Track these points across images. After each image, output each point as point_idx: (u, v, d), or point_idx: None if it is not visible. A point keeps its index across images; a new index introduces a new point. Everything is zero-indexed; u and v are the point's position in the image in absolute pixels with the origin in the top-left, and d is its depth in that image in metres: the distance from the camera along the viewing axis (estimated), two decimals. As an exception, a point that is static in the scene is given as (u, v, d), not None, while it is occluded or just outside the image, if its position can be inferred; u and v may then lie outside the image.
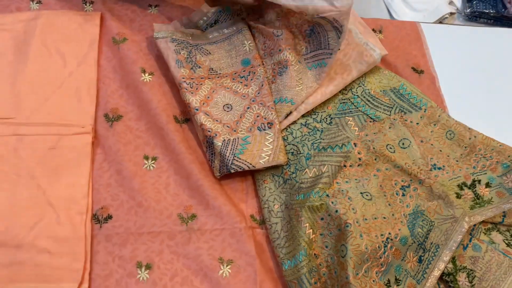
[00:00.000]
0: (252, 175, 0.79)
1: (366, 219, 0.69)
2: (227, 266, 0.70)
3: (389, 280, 0.68)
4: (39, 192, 0.72)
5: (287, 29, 0.81)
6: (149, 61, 0.86)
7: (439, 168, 0.78)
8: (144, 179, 0.76)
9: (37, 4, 0.90)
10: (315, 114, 0.82)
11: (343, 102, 0.84)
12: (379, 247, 0.67)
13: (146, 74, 0.84)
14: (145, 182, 0.76)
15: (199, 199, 0.75)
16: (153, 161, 0.78)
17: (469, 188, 0.76)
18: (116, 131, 0.79)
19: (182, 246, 0.71)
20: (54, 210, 0.71)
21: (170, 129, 0.79)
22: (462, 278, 0.70)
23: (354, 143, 0.77)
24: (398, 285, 0.68)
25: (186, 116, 0.83)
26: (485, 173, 0.78)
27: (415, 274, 0.69)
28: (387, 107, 0.84)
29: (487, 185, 0.76)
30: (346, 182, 0.74)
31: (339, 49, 0.78)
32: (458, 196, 0.75)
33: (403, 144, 0.79)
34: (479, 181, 0.77)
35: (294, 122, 0.81)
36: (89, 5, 0.92)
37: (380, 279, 0.67)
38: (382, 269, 0.68)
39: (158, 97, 0.82)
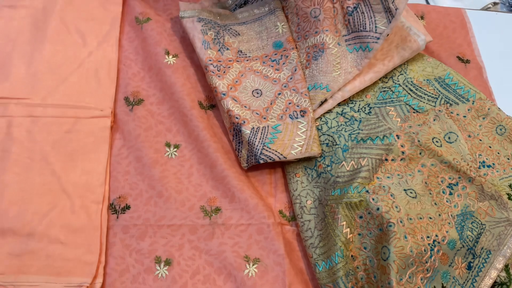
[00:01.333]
0: (282, 167, 0.73)
1: (410, 218, 0.62)
2: (253, 265, 0.64)
3: None
4: (53, 178, 0.67)
5: (329, 1, 0.74)
6: (174, 42, 0.80)
7: (489, 166, 0.70)
8: (165, 167, 0.70)
9: (58, -19, 0.85)
10: (352, 103, 0.75)
11: (384, 91, 0.76)
12: (425, 250, 0.60)
13: (170, 56, 0.78)
14: (166, 171, 0.70)
15: (223, 191, 0.69)
16: (175, 149, 0.72)
17: None
18: (136, 115, 0.74)
19: (204, 241, 0.65)
20: (69, 198, 0.66)
21: (194, 115, 0.73)
22: None
23: (397, 135, 0.70)
24: None
25: (211, 102, 0.77)
26: None
27: (464, 283, 0.62)
28: (432, 97, 0.76)
29: None
30: (388, 177, 0.66)
31: (388, 34, 0.71)
32: (510, 197, 0.67)
33: (449, 138, 0.72)
34: None
35: (329, 111, 0.74)
36: (112, -17, 0.86)
37: (426, 286, 0.60)
38: (428, 275, 0.60)
39: (182, 80, 0.76)
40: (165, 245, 0.65)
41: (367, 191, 0.64)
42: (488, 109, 0.76)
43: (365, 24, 0.72)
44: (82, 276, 0.61)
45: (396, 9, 0.69)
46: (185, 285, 0.62)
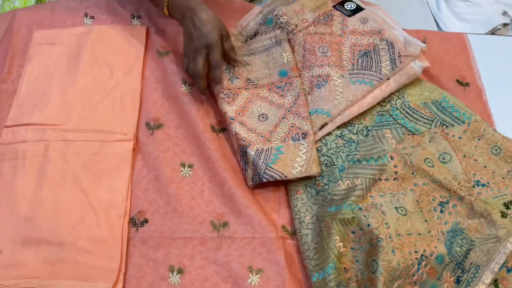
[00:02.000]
0: (285, 185, 0.79)
1: (399, 234, 0.67)
2: (256, 275, 0.70)
3: None
4: (82, 195, 0.76)
5: (336, 43, 0.83)
6: (190, 72, 0.89)
7: (483, 185, 0.74)
8: (180, 185, 0.78)
9: (90, 20, 0.97)
10: (351, 126, 0.81)
11: (381, 114, 0.82)
12: (412, 264, 0.65)
13: (187, 85, 0.87)
14: (181, 189, 0.78)
15: (231, 207, 0.76)
16: (189, 168, 0.80)
17: None
18: (156, 138, 0.83)
19: (213, 252, 0.72)
20: (95, 213, 0.75)
21: (206, 137, 0.81)
22: None
23: (391, 156, 0.76)
24: None
25: (222, 126, 0.85)
26: None
27: None
28: (428, 120, 0.81)
29: None
30: (381, 196, 0.72)
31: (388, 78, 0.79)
32: (504, 215, 0.71)
33: (443, 158, 0.76)
34: None
35: (329, 133, 0.80)
36: (137, 20, 0.97)
37: None
38: (415, 287, 0.65)
39: (197, 107, 0.84)
40: (178, 255, 0.72)
41: (360, 208, 0.69)
42: (484, 130, 0.79)
43: (371, 67, 0.81)
44: (105, 281, 0.69)
45: (400, 62, 0.77)
46: (195, 291, 0.69)
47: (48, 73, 0.89)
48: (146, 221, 0.75)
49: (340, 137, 0.79)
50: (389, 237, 0.65)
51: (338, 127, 0.81)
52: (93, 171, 0.79)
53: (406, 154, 0.76)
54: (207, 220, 0.75)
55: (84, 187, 0.77)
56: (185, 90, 0.86)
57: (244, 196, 0.76)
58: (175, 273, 0.71)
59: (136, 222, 0.75)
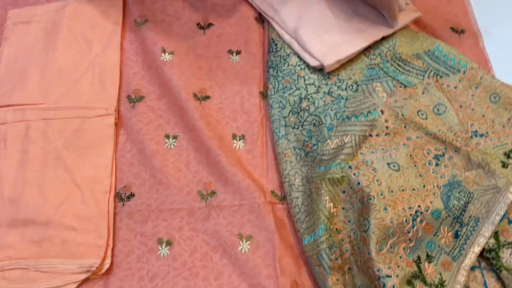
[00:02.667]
0: (273, 149, 0.76)
1: (392, 191, 0.63)
2: (246, 242, 0.68)
3: (419, 257, 0.62)
4: (66, 173, 0.74)
5: None
6: (169, 41, 0.86)
7: (482, 135, 0.70)
8: (165, 157, 0.76)
9: (65, -6, 0.93)
10: (340, 82, 0.77)
11: (371, 68, 0.78)
12: (406, 221, 0.62)
13: (167, 54, 0.84)
14: (166, 161, 0.76)
15: (218, 176, 0.73)
16: (173, 140, 0.77)
17: None
18: (138, 111, 0.80)
19: (201, 223, 0.70)
20: (80, 190, 0.73)
21: (189, 106, 0.78)
22: (506, 254, 0.62)
23: (381, 110, 0.72)
24: (430, 262, 0.62)
25: (205, 93, 0.81)
26: None
27: (450, 251, 0.63)
28: (421, 71, 0.76)
29: None
30: (372, 152, 0.68)
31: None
32: (504, 165, 0.67)
33: (438, 110, 0.72)
34: None
35: (317, 92, 0.76)
36: (113, -9, 0.93)
37: (409, 255, 0.62)
38: (411, 244, 0.62)
39: (178, 75, 0.81)
40: (166, 228, 0.70)
41: (349, 167, 0.66)
42: (481, 78, 0.75)
43: None
44: (93, 258, 0.68)
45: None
46: (185, 262, 0.68)
47: (25, 52, 0.87)
48: (132, 195, 0.73)
49: (328, 94, 0.76)
50: (381, 194, 0.62)
51: (326, 84, 0.77)
52: (76, 148, 0.77)
53: (398, 107, 0.72)
54: (194, 190, 0.73)
55: (67, 165, 0.75)
56: (165, 59, 0.83)
57: (230, 163, 0.73)
58: (163, 245, 0.69)
59: (122, 197, 0.73)
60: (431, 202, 0.64)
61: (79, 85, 0.82)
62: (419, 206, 0.63)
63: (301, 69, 0.78)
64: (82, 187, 0.73)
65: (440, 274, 0.61)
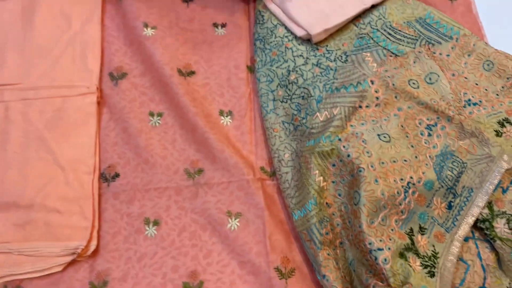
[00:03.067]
0: (262, 125, 0.74)
1: (383, 162, 0.62)
2: (235, 219, 0.67)
3: (411, 229, 0.61)
4: (48, 154, 0.72)
5: None
6: (152, 15, 0.82)
7: (475, 104, 0.68)
8: (150, 135, 0.74)
9: (42, -31, 0.89)
10: (328, 53, 0.74)
11: (361, 37, 0.75)
12: (398, 192, 0.60)
13: (149, 29, 0.80)
14: (151, 139, 0.73)
15: (205, 153, 0.71)
16: (158, 117, 0.75)
17: None
18: (121, 89, 0.77)
19: (189, 201, 0.68)
20: (63, 171, 0.71)
21: (174, 82, 0.75)
22: (500, 224, 0.61)
23: (371, 81, 0.69)
24: (423, 234, 0.61)
25: (190, 68, 0.79)
26: None
27: (443, 222, 0.61)
28: (412, 39, 0.74)
29: None
30: (362, 124, 0.66)
31: None
32: (498, 133, 0.65)
33: (430, 79, 0.70)
34: None
35: (305, 63, 0.73)
36: (91, -36, 0.89)
37: (401, 227, 0.60)
38: (403, 217, 0.61)
39: (161, 50, 0.78)
40: (153, 207, 0.69)
41: (339, 139, 0.64)
42: (474, 45, 0.72)
43: None
44: (78, 240, 0.66)
45: None
46: (173, 242, 0.66)
47: (2, 32, 0.83)
48: (117, 175, 0.71)
49: (316, 65, 0.73)
50: (371, 166, 0.61)
51: (315, 55, 0.74)
52: (58, 129, 0.74)
53: (388, 77, 0.69)
54: (181, 169, 0.71)
55: (49, 146, 0.72)
56: (147, 34, 0.80)
57: (218, 140, 0.71)
58: (151, 225, 0.67)
59: (107, 177, 0.71)
60: (423, 173, 0.62)
61: (59, 63, 0.79)
62: (411, 177, 0.62)
63: (289, 40, 0.76)
64: (65, 168, 0.71)
65: (433, 246, 0.60)
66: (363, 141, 0.63)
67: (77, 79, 0.78)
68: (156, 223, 0.67)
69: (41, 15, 0.83)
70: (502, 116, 0.67)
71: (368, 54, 0.72)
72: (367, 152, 0.62)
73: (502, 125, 0.66)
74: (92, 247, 0.66)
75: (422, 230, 0.61)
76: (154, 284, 0.64)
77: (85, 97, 0.76)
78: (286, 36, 0.76)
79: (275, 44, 0.76)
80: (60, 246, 0.65)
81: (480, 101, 0.68)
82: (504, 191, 0.63)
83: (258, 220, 0.66)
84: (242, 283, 0.64)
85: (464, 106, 0.68)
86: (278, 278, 0.64)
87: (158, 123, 0.75)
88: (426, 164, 0.63)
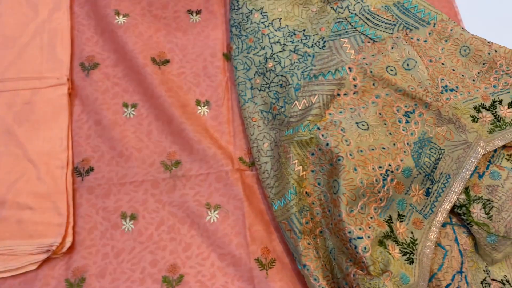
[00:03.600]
0: (240, 114, 0.73)
1: (361, 151, 0.61)
2: (214, 211, 0.66)
3: (390, 217, 0.61)
4: (18, 148, 0.69)
5: None
6: (123, 2, 0.79)
7: (452, 90, 0.68)
8: (124, 127, 0.71)
9: (5, -46, 0.84)
10: (306, 39, 0.73)
11: (338, 22, 0.74)
12: (376, 180, 0.60)
13: (121, 16, 0.78)
14: (126, 131, 0.71)
15: (182, 145, 0.70)
16: (132, 109, 0.73)
17: (488, 110, 0.66)
18: (93, 79, 0.75)
19: (166, 194, 0.67)
20: (34, 166, 0.68)
21: (147, 72, 0.73)
22: (477, 209, 0.61)
23: (349, 68, 0.68)
24: (401, 221, 0.61)
25: (164, 57, 0.76)
26: (508, 92, 0.67)
27: (421, 209, 0.62)
28: (390, 24, 0.73)
29: (510, 105, 0.66)
30: (340, 112, 0.66)
31: None
32: (475, 119, 0.65)
33: (407, 65, 0.69)
34: (500, 101, 0.66)
35: (282, 50, 0.72)
36: None
37: (380, 215, 0.60)
38: (382, 204, 0.61)
39: (134, 39, 0.76)
40: (129, 201, 0.67)
41: (318, 128, 0.63)
42: (451, 30, 0.72)
43: None
44: (52, 237, 0.64)
45: None
46: (151, 236, 0.65)
47: (-35, 20, 0.79)
48: (91, 169, 0.69)
49: (294, 52, 0.72)
50: (350, 155, 0.60)
51: (292, 41, 0.72)
52: (27, 122, 0.71)
53: (366, 64, 0.69)
54: (157, 161, 0.69)
55: (19, 140, 0.70)
56: (119, 22, 0.77)
57: (195, 131, 0.69)
58: (128, 219, 0.66)
59: (80, 171, 0.69)
60: (401, 160, 0.62)
61: (27, 53, 0.76)
62: (390, 165, 0.62)
63: (265, 26, 0.74)
64: (36, 163, 0.68)
65: (412, 232, 0.61)
66: (341, 130, 0.63)
67: (46, 70, 0.75)
68: (133, 217, 0.66)
69: (6, 3, 0.79)
70: (478, 102, 0.67)
71: (346, 41, 0.71)
72: (346, 141, 0.61)
73: (478, 111, 0.66)
74: (68, 243, 0.64)
75: (400, 217, 0.61)
76: (133, 280, 0.63)
77: (55, 89, 0.73)
78: (262, 22, 0.74)
79: (251, 31, 0.74)
80: (33, 244, 0.63)
81: (457, 87, 0.68)
82: (480, 176, 0.63)
83: (237, 212, 0.65)
84: (222, 275, 0.63)
85: (441, 92, 0.68)
86: (259, 269, 0.63)
87: (133, 114, 0.73)
88: (404, 152, 0.63)
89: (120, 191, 0.67)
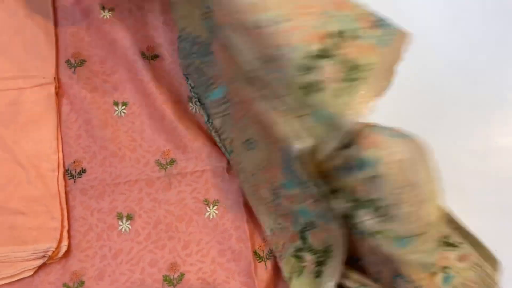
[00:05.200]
0: (233, 109, 0.72)
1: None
2: (213, 207, 0.65)
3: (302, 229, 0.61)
4: (5, 152, 0.67)
5: None
6: (108, -5, 0.77)
7: None
8: (116, 127, 0.70)
9: None
10: None
11: None
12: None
13: (106, 11, 0.75)
14: (117, 130, 0.69)
15: (176, 143, 0.68)
16: (123, 107, 0.71)
17: None
18: (80, 77, 0.72)
19: (162, 192, 0.66)
20: (24, 169, 0.66)
21: (138, 67, 0.71)
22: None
23: None
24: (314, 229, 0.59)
25: (154, 51, 0.74)
26: None
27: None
28: None
29: None
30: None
31: None
32: None
33: None
34: None
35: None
36: None
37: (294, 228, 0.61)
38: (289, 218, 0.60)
39: (122, 34, 0.73)
40: (124, 201, 0.66)
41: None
42: None
43: None
44: (47, 242, 0.63)
45: None
46: (149, 235, 0.64)
47: None
48: (83, 170, 0.68)
49: None
50: None
51: None
52: (14, 124, 0.69)
53: None
54: (151, 161, 0.68)
55: (7, 143, 0.67)
56: (105, 17, 0.74)
57: (188, 128, 0.68)
58: (124, 220, 0.65)
59: (72, 173, 0.67)
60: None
61: (9, 51, 0.73)
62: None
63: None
64: (26, 166, 0.66)
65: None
66: None
67: (32, 69, 0.72)
68: (129, 217, 0.65)
69: (-17, -1, 0.76)
70: None
71: None
72: None
73: None
74: (64, 248, 0.63)
75: (311, 224, 0.59)
76: (133, 280, 0.62)
77: (42, 88, 0.71)
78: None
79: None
80: (28, 250, 0.62)
81: None
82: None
83: (236, 205, 0.65)
84: (223, 270, 0.63)
85: None
86: (258, 261, 0.63)
87: (124, 112, 0.71)
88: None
89: (114, 191, 0.66)
